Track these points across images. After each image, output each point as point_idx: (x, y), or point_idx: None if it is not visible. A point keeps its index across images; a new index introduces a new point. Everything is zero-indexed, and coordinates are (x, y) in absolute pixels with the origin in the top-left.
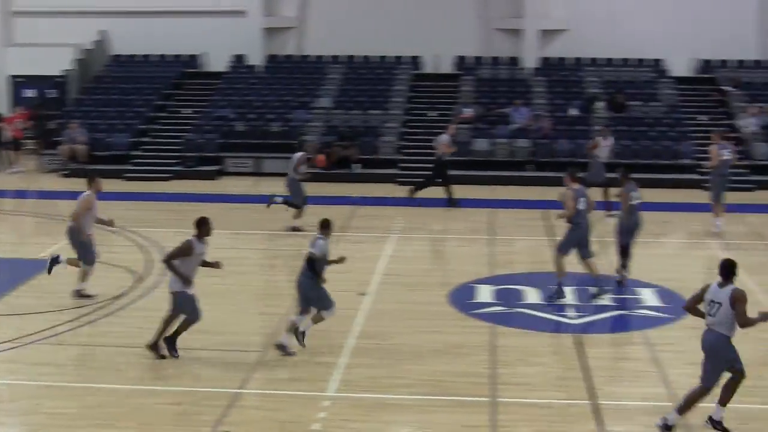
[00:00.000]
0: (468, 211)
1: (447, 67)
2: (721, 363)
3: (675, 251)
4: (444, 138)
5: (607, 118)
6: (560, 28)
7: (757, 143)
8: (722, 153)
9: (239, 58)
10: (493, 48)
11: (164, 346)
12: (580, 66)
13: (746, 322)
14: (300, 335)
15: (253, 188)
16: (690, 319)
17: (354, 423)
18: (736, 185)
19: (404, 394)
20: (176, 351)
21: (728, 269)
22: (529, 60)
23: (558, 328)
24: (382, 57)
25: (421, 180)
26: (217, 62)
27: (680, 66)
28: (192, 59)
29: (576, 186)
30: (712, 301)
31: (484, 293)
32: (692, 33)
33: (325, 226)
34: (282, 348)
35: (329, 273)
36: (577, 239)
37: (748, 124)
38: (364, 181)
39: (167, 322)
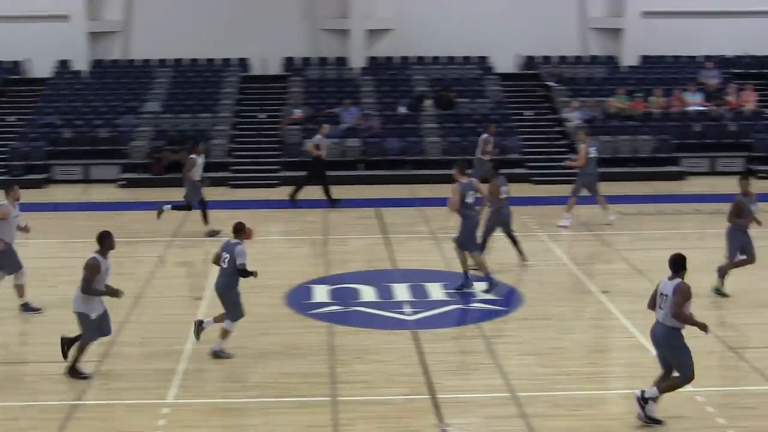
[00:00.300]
0: (301, 211)
1: (275, 69)
2: (679, 351)
3: (507, 244)
4: (315, 138)
5: (435, 115)
6: (386, 27)
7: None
8: (590, 151)
9: (64, 64)
10: (320, 48)
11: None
12: (407, 65)
13: (678, 314)
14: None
15: (83, 195)
16: (522, 311)
17: (195, 429)
18: (564, 178)
19: (245, 398)
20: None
21: (677, 263)
22: (357, 60)
23: (395, 324)
24: (210, 60)
25: (322, 187)
26: (41, 68)
27: (505, 63)
28: (15, 65)
29: (464, 180)
30: (662, 294)
31: (321, 293)
32: (516, 30)
33: (239, 230)
34: (217, 354)
35: (162, 279)
36: (472, 231)
37: (572, 117)
38: None
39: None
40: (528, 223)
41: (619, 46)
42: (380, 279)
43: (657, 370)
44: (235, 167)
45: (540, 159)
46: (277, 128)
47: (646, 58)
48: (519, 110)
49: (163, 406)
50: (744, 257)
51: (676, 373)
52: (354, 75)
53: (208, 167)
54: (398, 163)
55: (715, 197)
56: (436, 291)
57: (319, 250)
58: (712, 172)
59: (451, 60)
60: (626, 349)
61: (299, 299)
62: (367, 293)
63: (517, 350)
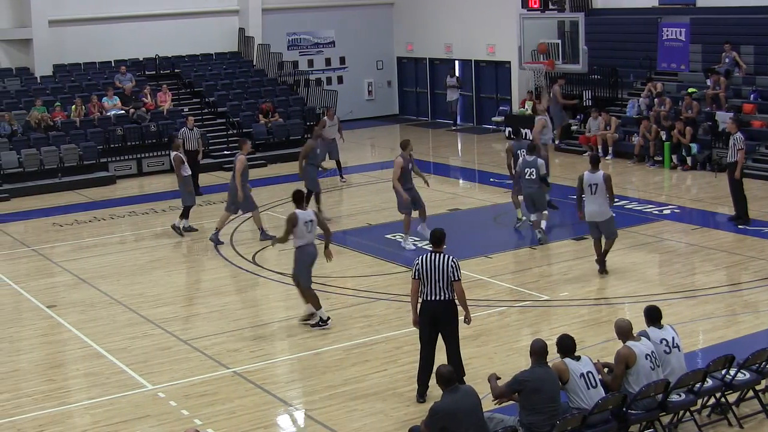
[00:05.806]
0: None
1: None
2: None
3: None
4: None
5: None
6: None
7: None
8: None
9: None
10: None
11: None
12: None
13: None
14: None
15: None
16: None
17: None
18: None
19: None
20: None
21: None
22: None
23: None
24: None
25: None
26: None
27: None
28: None
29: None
30: None
31: None
32: None
33: None
34: None
35: None
36: None
37: None
38: None
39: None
40: None
41: (30, 56)
42: None
43: (117, 375)
44: None
45: None
46: None
47: (59, 67)
48: None
49: None
50: None
51: None
52: None
53: None
54: None
55: (145, 197)
56: None
57: None
58: (140, 173)
59: None
60: (83, 359)
61: None
62: None
63: None
